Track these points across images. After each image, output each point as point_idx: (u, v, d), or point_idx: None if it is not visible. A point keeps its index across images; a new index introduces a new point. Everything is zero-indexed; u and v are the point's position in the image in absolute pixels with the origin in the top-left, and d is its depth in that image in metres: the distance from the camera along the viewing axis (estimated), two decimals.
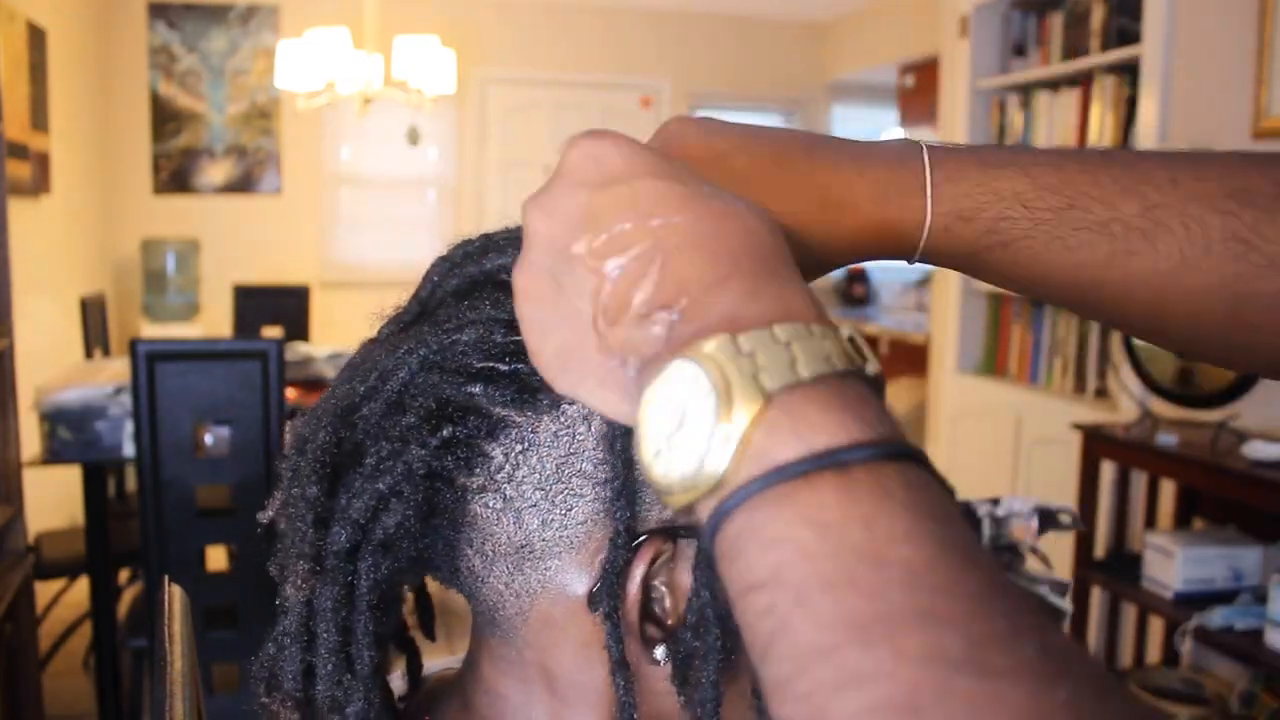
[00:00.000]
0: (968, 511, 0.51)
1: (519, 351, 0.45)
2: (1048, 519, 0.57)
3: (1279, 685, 2.04)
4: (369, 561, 0.46)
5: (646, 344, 0.34)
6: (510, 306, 0.44)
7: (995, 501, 0.57)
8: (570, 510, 0.47)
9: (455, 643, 0.61)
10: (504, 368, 0.46)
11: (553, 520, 0.47)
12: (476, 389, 0.46)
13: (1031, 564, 0.60)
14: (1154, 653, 2.50)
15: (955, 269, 0.48)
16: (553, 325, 0.37)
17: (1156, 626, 2.48)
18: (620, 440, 0.45)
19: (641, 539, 0.46)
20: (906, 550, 0.27)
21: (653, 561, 0.46)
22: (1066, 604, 0.56)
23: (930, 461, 0.31)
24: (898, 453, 0.29)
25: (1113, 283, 0.44)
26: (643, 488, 0.46)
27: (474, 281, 0.49)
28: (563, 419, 0.46)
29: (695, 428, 0.30)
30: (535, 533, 0.47)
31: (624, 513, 0.45)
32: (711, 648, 0.44)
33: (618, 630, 0.45)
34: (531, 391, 0.46)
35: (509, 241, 0.49)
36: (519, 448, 0.47)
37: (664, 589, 0.47)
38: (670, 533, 0.47)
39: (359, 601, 0.46)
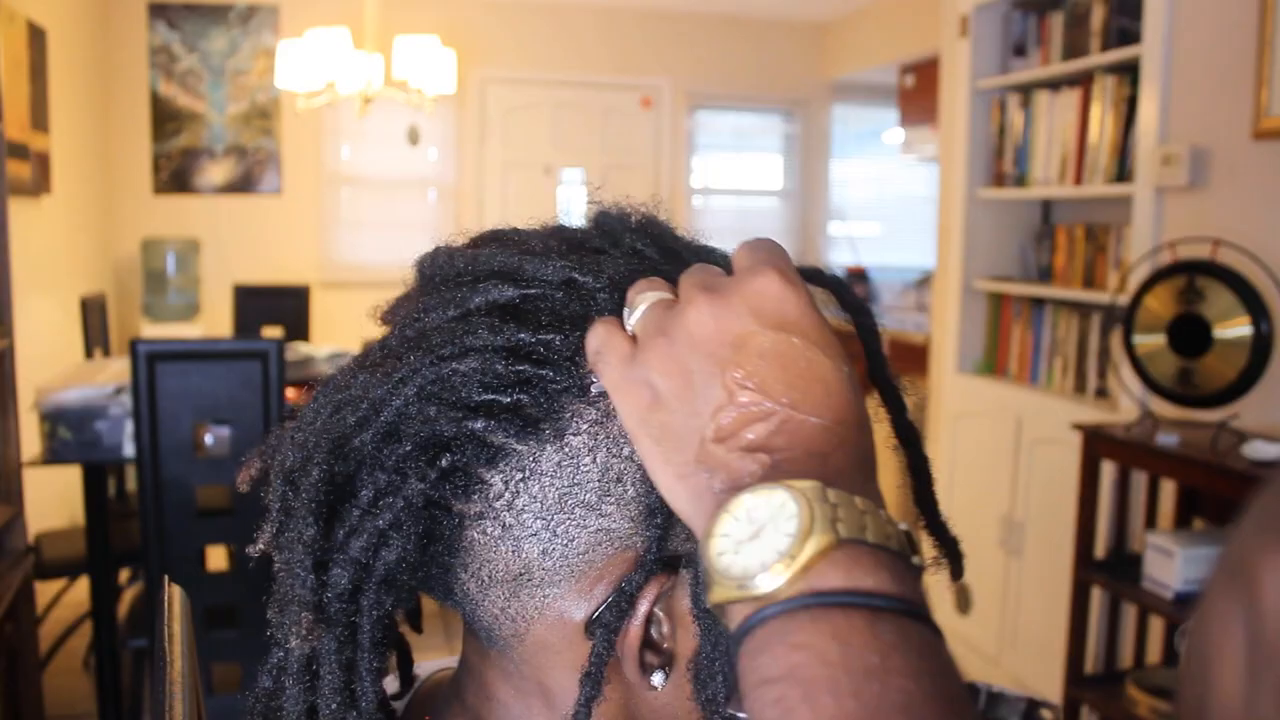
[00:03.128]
0: (969, 686, 0.53)
1: (520, 381, 0.45)
2: (1031, 711, 0.57)
3: None
4: (371, 599, 0.46)
5: (742, 472, 0.38)
6: (508, 333, 0.45)
7: (991, 687, 0.59)
8: (572, 540, 0.46)
9: (455, 643, 0.61)
10: (506, 400, 0.45)
11: (554, 549, 0.46)
12: (478, 424, 0.45)
13: None
14: (1154, 653, 2.50)
15: None
16: (669, 404, 0.41)
17: (1157, 626, 2.48)
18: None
19: (656, 568, 0.46)
20: (909, 684, 0.32)
21: (659, 589, 0.46)
22: None
23: (945, 642, 0.36)
24: (925, 619, 0.35)
25: None
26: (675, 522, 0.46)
27: (468, 310, 0.47)
28: (566, 449, 0.46)
29: (770, 542, 0.35)
30: (535, 561, 0.46)
31: (654, 540, 0.45)
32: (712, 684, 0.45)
33: (607, 652, 0.45)
34: (534, 422, 0.45)
35: (500, 264, 0.48)
36: (519, 476, 0.46)
37: (663, 615, 0.47)
38: (673, 563, 0.47)
39: (362, 639, 0.46)
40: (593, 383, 0.46)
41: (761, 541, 0.35)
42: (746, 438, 0.39)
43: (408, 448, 0.45)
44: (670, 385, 0.41)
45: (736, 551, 0.36)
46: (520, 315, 0.47)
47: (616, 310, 0.47)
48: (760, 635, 0.35)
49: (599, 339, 0.44)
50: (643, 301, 0.45)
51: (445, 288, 0.49)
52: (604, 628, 0.45)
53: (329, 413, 0.47)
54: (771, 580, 0.35)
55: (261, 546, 0.48)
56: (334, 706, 0.46)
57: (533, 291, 0.47)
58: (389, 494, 0.45)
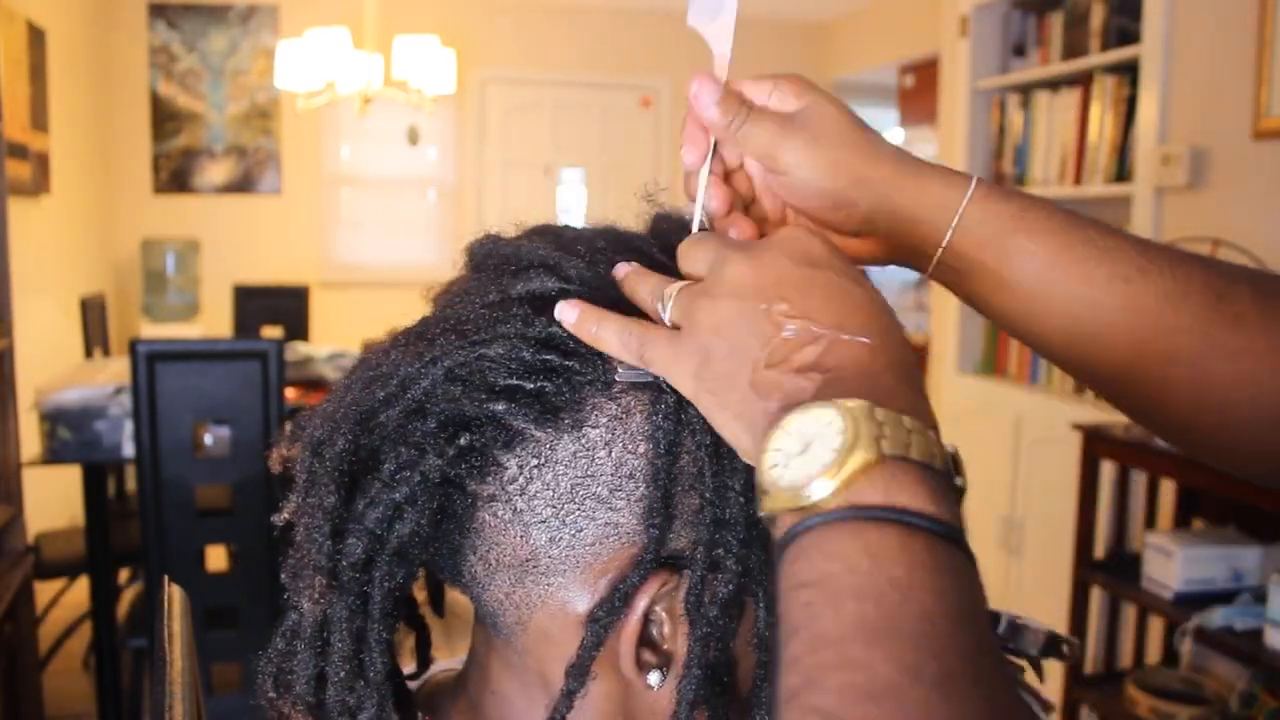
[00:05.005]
0: (991, 613, 0.55)
1: (546, 370, 0.46)
2: (1051, 644, 0.58)
3: (1279, 685, 2.04)
4: (384, 570, 0.46)
5: (795, 391, 0.40)
6: (541, 325, 0.46)
7: (1016, 617, 0.59)
8: (580, 531, 0.47)
9: (456, 643, 0.61)
10: (530, 385, 0.46)
11: (561, 538, 0.47)
12: (499, 406, 0.46)
13: (1030, 677, 0.61)
14: (1154, 653, 2.50)
15: (972, 269, 0.52)
16: (721, 355, 0.42)
17: (1156, 626, 2.48)
18: (663, 472, 0.46)
19: (654, 566, 0.46)
20: (930, 599, 0.34)
21: (659, 589, 0.46)
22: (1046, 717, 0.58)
23: (977, 566, 0.37)
24: (958, 540, 0.36)
25: (1108, 307, 0.49)
26: (677, 512, 0.47)
27: (507, 297, 0.49)
28: (583, 440, 0.47)
29: (816, 456, 0.37)
30: (542, 548, 0.47)
31: (653, 539, 0.46)
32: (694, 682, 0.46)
33: (596, 646, 0.46)
34: (554, 410, 0.46)
35: (542, 258, 0.50)
36: (534, 461, 0.47)
37: (664, 615, 0.47)
38: (677, 564, 0.47)
39: (373, 610, 0.47)
40: (616, 378, 0.47)
41: (809, 455, 0.37)
42: (798, 360, 0.40)
43: (431, 425, 0.46)
44: (721, 339, 0.42)
45: (787, 465, 0.37)
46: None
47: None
48: (801, 543, 0.36)
49: (635, 336, 0.46)
50: (672, 291, 0.46)
51: (489, 274, 0.51)
52: (596, 622, 0.46)
53: (359, 388, 0.49)
54: (816, 492, 0.36)
55: (286, 515, 0.49)
56: (343, 674, 0.46)
57: (571, 287, 0.48)
58: (407, 468, 0.46)
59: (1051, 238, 0.50)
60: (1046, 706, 0.57)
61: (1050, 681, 2.66)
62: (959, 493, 0.39)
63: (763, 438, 0.39)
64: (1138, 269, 0.50)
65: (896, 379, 0.40)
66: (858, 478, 0.36)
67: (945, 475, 0.38)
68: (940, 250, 0.51)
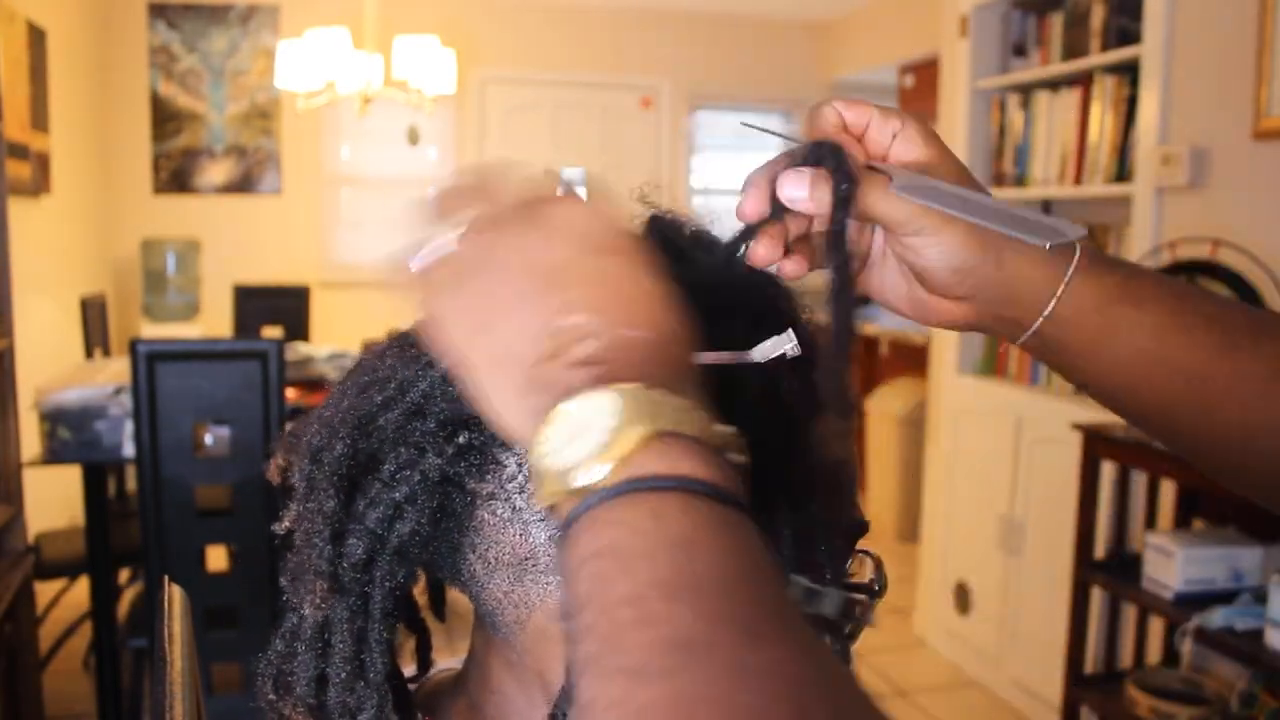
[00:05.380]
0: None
1: None
2: (848, 607, 0.57)
3: (1279, 685, 2.04)
4: (384, 570, 0.47)
5: (571, 384, 0.38)
6: None
7: (807, 580, 0.58)
8: None
9: (456, 643, 0.61)
10: None
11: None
12: None
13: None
14: (1154, 653, 2.50)
15: (1069, 339, 0.51)
16: (499, 330, 0.41)
17: (1157, 627, 2.49)
18: None
19: None
20: (721, 555, 0.34)
21: None
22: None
23: (751, 515, 0.37)
24: (738, 503, 0.36)
25: (1218, 376, 0.48)
26: None
27: None
28: None
29: (591, 439, 0.36)
30: (541, 547, 0.47)
31: None
32: None
33: None
34: None
35: None
36: None
37: None
38: None
39: (373, 610, 0.47)
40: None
41: (583, 440, 0.36)
42: (576, 354, 0.39)
43: (430, 425, 0.46)
44: (505, 318, 0.41)
45: (559, 452, 0.36)
46: None
47: None
48: (582, 521, 0.35)
49: (428, 251, 0.44)
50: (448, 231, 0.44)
51: None
52: None
53: (356, 393, 0.49)
54: (593, 473, 0.36)
55: (287, 524, 0.49)
56: (344, 675, 0.47)
57: None
58: (407, 468, 0.46)
59: (1160, 305, 0.49)
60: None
61: (1050, 681, 2.67)
62: (740, 470, 0.39)
63: (537, 427, 0.38)
64: (1249, 335, 0.48)
65: (674, 373, 0.39)
66: (635, 454, 0.36)
67: (724, 451, 0.38)
68: (1041, 319, 0.50)
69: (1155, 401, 0.50)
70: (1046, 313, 0.50)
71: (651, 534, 0.34)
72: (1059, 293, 0.49)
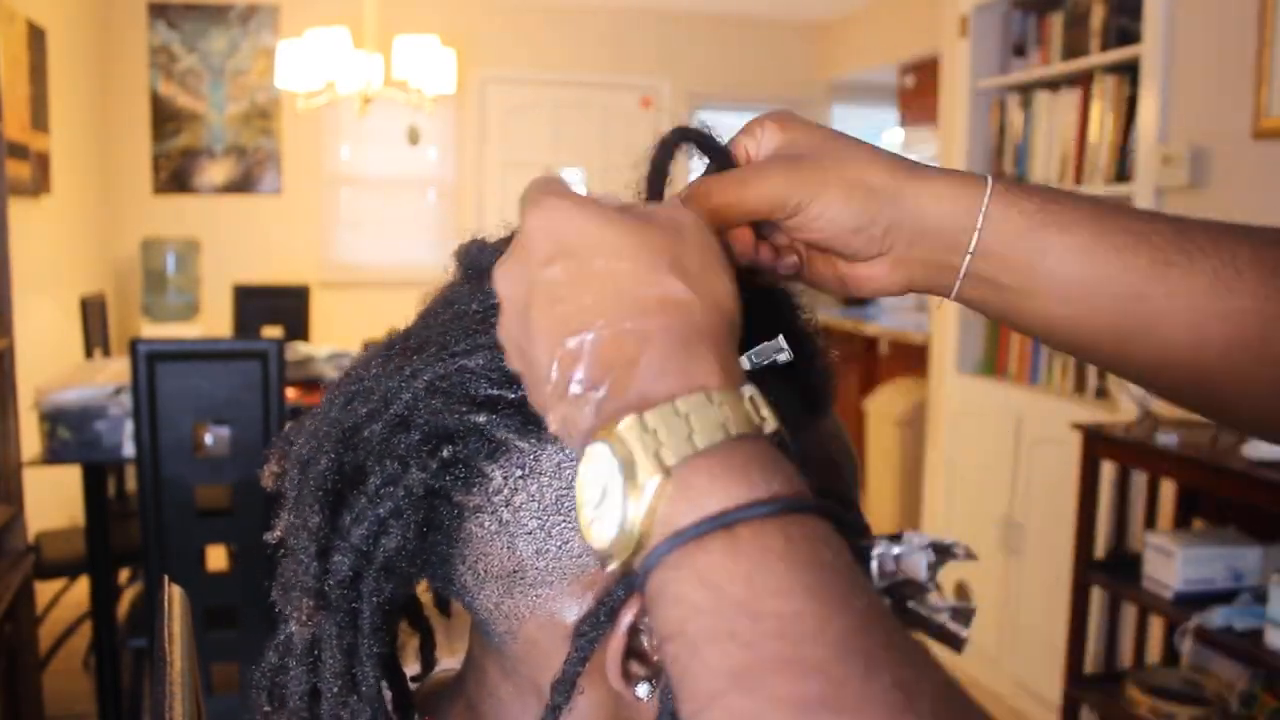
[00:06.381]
0: (860, 552, 0.52)
1: None
2: (942, 553, 0.57)
3: (1279, 685, 2.04)
4: (371, 586, 0.46)
5: (582, 421, 0.37)
6: None
7: (896, 538, 0.58)
8: (567, 543, 0.46)
9: (455, 643, 0.61)
10: (511, 395, 0.46)
11: (548, 550, 0.46)
12: (481, 417, 0.45)
13: (934, 597, 0.60)
14: (1154, 653, 2.50)
15: (1002, 275, 0.49)
16: (529, 357, 0.40)
17: (1156, 626, 2.49)
18: None
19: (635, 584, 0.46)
20: (778, 603, 0.31)
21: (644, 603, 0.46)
22: (965, 631, 0.57)
23: (821, 504, 0.34)
24: (781, 508, 0.33)
25: (1155, 295, 0.46)
26: None
27: (488, 307, 0.48)
28: (567, 452, 0.46)
29: (613, 500, 0.34)
30: (529, 560, 0.47)
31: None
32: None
33: (581, 662, 0.45)
34: (537, 420, 0.45)
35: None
36: (519, 472, 0.46)
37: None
38: None
39: (362, 625, 0.46)
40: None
41: (609, 501, 0.35)
42: (572, 390, 0.37)
43: (415, 438, 0.46)
44: (530, 349, 0.40)
45: (597, 519, 0.35)
46: None
47: None
48: (651, 593, 0.34)
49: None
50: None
51: (473, 283, 0.50)
52: (582, 636, 0.45)
53: (341, 404, 0.48)
54: (626, 544, 0.34)
55: (278, 534, 0.49)
56: (335, 690, 0.46)
57: None
58: (392, 483, 0.46)
59: (1083, 227, 0.47)
60: (965, 615, 0.55)
61: (1050, 681, 2.67)
62: (777, 439, 0.36)
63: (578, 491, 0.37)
64: (1178, 248, 0.46)
65: (663, 350, 0.37)
66: (657, 506, 0.34)
67: (749, 436, 0.35)
68: (969, 256, 0.48)
69: (1102, 328, 0.48)
70: (971, 247, 0.48)
71: (709, 611, 0.32)
72: (979, 223, 0.48)
